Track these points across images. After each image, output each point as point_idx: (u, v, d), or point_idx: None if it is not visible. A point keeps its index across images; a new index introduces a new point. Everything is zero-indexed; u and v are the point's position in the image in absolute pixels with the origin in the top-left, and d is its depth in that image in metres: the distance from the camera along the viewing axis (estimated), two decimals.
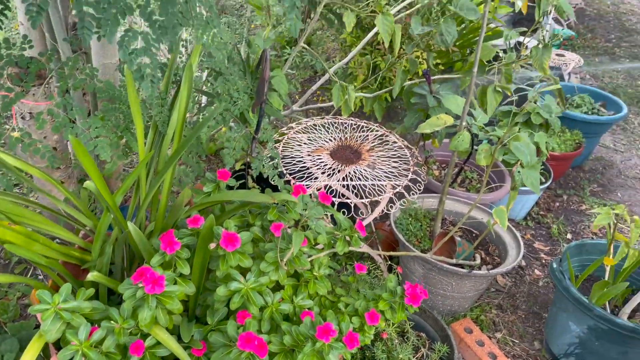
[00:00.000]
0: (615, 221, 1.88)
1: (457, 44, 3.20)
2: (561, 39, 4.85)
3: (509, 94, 2.48)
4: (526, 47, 2.57)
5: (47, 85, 1.92)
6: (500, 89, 2.21)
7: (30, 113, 1.96)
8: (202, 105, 2.26)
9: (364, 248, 2.06)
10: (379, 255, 2.13)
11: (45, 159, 1.78)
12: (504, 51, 2.75)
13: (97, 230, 1.53)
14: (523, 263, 2.60)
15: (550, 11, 4.62)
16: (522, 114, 2.53)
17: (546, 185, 2.74)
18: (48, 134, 2.04)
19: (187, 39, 2.46)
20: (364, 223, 2.12)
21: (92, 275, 1.32)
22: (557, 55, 4.09)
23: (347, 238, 1.49)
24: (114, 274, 1.61)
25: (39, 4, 0.97)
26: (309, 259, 1.42)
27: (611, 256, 1.97)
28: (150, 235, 1.67)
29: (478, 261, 2.14)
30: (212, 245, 1.30)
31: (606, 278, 2.01)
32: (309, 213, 1.33)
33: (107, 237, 1.60)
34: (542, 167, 2.74)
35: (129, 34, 0.97)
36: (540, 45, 2.32)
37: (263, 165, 1.71)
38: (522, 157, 1.59)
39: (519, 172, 1.74)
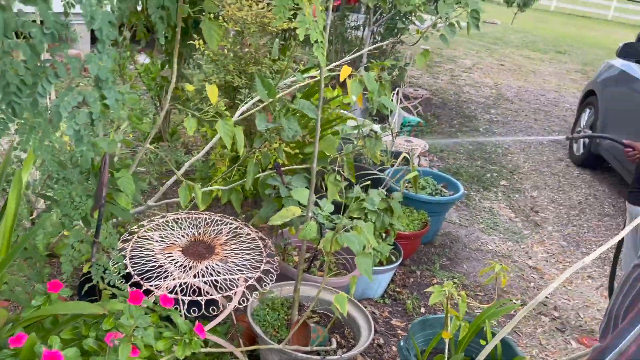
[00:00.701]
0: (448, 297, 2.07)
1: (312, 135, 3.45)
2: (410, 127, 5.40)
3: (352, 179, 2.71)
4: (376, 134, 2.84)
5: None
6: (339, 178, 2.41)
7: None
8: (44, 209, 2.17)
9: (221, 343, 2.04)
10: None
11: None
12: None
13: None
14: (382, 341, 2.72)
15: (400, 100, 5.18)
16: (368, 200, 2.76)
17: (397, 263, 2.94)
18: None
19: None
20: (219, 319, 2.12)
21: None
22: (405, 141, 4.54)
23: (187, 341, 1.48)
24: None
25: None
26: None
27: (449, 330, 2.15)
28: None
29: (334, 346, 2.20)
30: None
31: (446, 351, 2.18)
32: (135, 322, 1.31)
33: None
34: (393, 247, 2.95)
35: None
36: (372, 137, 2.59)
37: (103, 271, 1.67)
38: (352, 246, 1.73)
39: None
